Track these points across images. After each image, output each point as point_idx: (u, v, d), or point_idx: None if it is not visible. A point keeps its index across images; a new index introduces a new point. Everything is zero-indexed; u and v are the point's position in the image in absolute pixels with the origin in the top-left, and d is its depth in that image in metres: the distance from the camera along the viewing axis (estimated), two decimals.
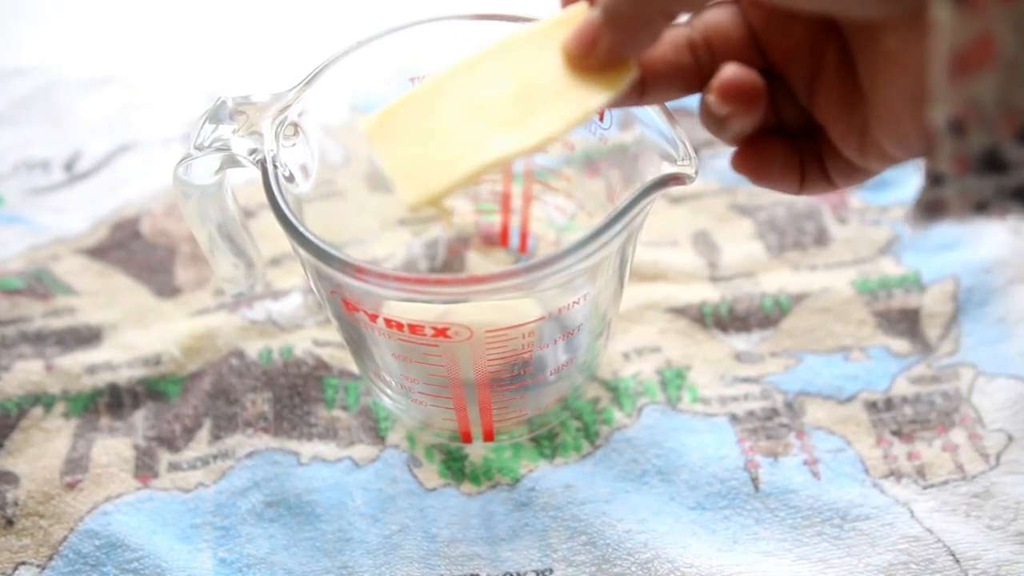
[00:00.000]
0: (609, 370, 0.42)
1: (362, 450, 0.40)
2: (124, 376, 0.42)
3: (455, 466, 0.39)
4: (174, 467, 0.40)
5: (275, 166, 0.32)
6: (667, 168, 0.30)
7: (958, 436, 0.39)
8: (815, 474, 0.38)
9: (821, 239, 0.47)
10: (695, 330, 0.43)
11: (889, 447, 0.39)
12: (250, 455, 0.40)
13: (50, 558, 0.37)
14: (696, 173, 0.30)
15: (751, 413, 0.40)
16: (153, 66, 0.60)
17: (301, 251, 0.30)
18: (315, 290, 0.36)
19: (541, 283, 0.29)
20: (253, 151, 0.32)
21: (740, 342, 0.43)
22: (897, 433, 0.39)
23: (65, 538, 0.37)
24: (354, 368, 0.42)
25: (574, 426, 0.40)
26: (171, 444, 0.40)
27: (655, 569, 0.35)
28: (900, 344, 0.42)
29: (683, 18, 0.27)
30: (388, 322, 0.31)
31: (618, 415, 0.40)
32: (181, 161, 0.33)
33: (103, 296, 0.46)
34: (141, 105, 0.57)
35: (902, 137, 0.23)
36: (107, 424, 0.41)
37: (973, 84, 0.18)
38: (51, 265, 0.47)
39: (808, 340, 0.43)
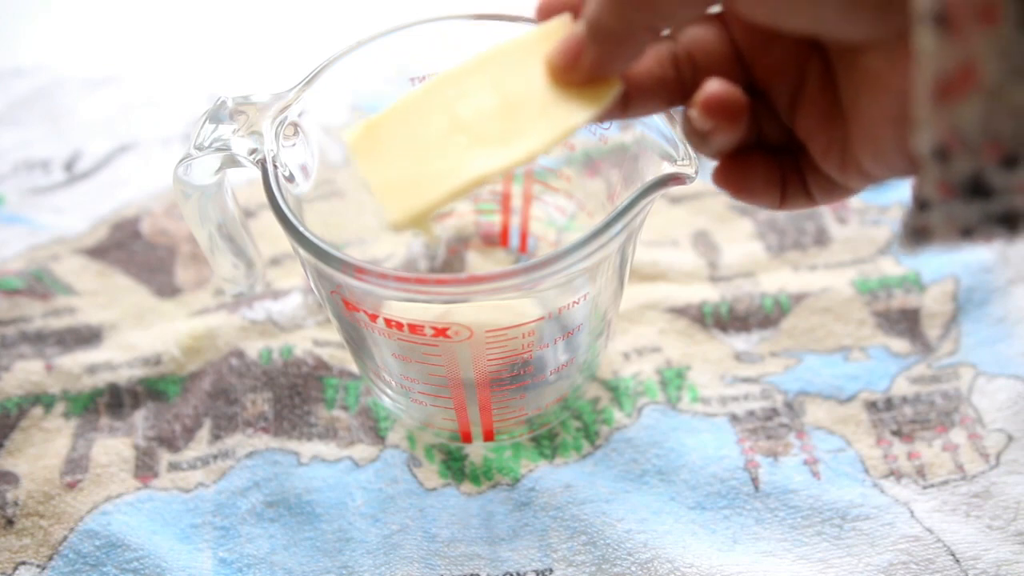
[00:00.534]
0: (609, 370, 0.42)
1: (362, 450, 0.40)
2: (124, 376, 0.42)
3: (455, 466, 0.39)
4: (174, 467, 0.40)
5: (275, 166, 0.32)
6: (667, 168, 0.30)
7: (958, 436, 0.39)
8: (815, 474, 0.38)
9: (821, 239, 0.47)
10: (695, 330, 0.43)
11: (889, 447, 0.39)
12: (250, 455, 0.40)
13: (50, 558, 0.37)
14: (696, 173, 0.30)
15: (751, 413, 0.40)
16: (153, 66, 0.60)
17: (301, 251, 0.30)
18: (315, 290, 0.36)
19: (541, 283, 0.29)
20: (253, 151, 0.32)
21: (740, 342, 0.43)
22: (897, 433, 0.39)
23: (65, 538, 0.37)
24: (354, 368, 0.42)
25: (574, 426, 0.40)
26: (171, 444, 0.40)
27: (655, 569, 0.35)
28: (900, 344, 0.42)
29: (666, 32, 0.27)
30: (388, 322, 0.31)
31: (618, 415, 0.40)
32: (181, 161, 0.33)
33: (103, 296, 0.46)
34: (141, 105, 0.57)
35: (882, 156, 0.23)
36: (107, 424, 0.41)
37: (957, 111, 0.18)
38: (51, 265, 0.47)
39: (808, 340, 0.43)
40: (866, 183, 0.25)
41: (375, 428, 0.40)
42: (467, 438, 0.39)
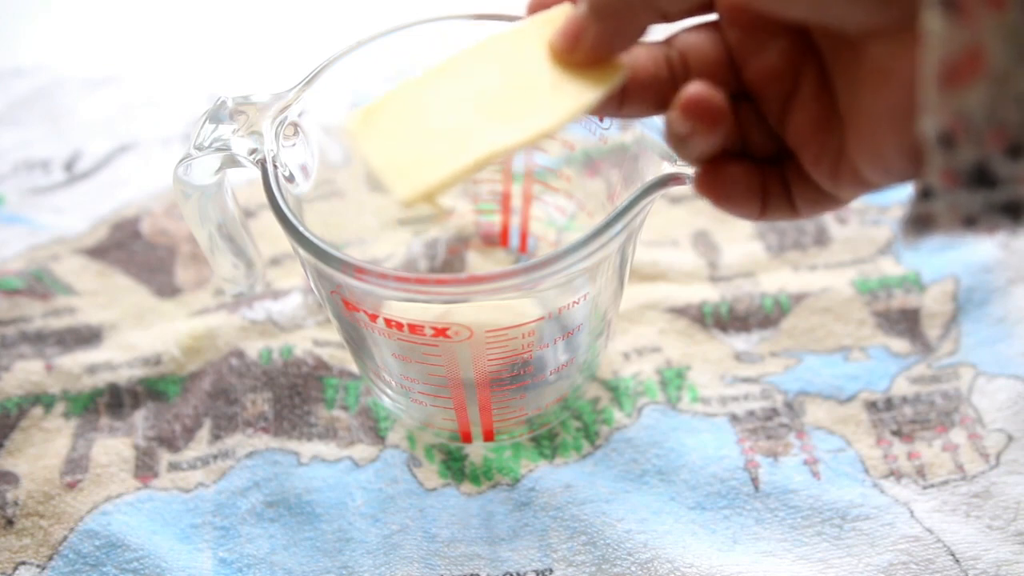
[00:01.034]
0: (609, 370, 0.42)
1: (362, 450, 0.40)
2: (124, 376, 0.42)
3: (455, 466, 0.39)
4: (174, 467, 0.40)
5: (275, 166, 0.32)
6: (667, 168, 0.30)
7: (958, 436, 0.39)
8: (815, 474, 0.38)
9: (821, 239, 0.47)
10: (695, 330, 0.43)
11: (889, 447, 0.39)
12: (250, 455, 0.40)
13: (50, 558, 0.37)
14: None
15: (751, 413, 0.40)
16: (153, 66, 0.60)
17: (301, 251, 0.30)
18: (315, 290, 0.36)
19: (541, 283, 0.29)
20: (253, 151, 0.32)
21: (740, 342, 0.43)
22: (897, 433, 0.39)
23: (65, 538, 0.37)
24: (354, 368, 0.42)
25: (574, 426, 0.40)
26: (171, 444, 0.40)
27: (655, 569, 0.35)
28: (900, 344, 0.42)
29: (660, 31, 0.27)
30: (388, 322, 0.31)
31: (618, 415, 0.40)
32: (181, 161, 0.33)
33: (103, 296, 0.46)
34: (141, 105, 0.57)
35: (882, 157, 0.23)
36: (107, 424, 0.41)
37: (963, 96, 0.18)
38: (51, 265, 0.47)
39: (808, 340, 0.43)
40: (858, 192, 0.25)
41: (375, 428, 0.40)
42: (467, 438, 0.39)
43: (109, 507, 0.38)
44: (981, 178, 0.19)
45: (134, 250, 0.48)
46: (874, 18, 0.21)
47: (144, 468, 0.39)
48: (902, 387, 0.41)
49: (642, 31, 0.25)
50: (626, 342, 0.43)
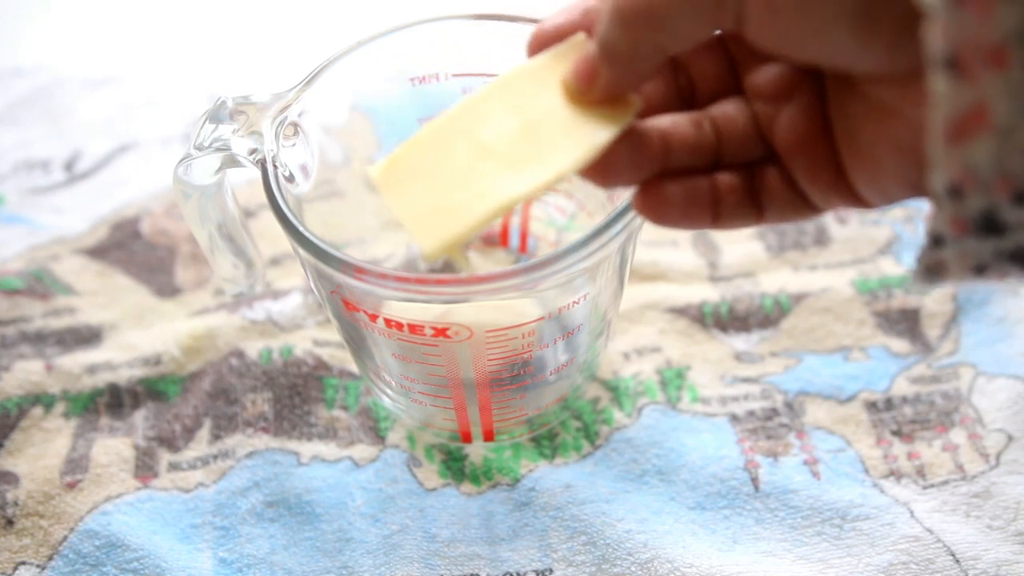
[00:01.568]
0: (609, 370, 0.42)
1: (362, 450, 0.40)
2: (124, 376, 0.42)
3: (455, 466, 0.39)
4: (174, 467, 0.40)
5: (275, 166, 0.32)
6: None
7: (958, 436, 0.39)
8: (815, 474, 0.38)
9: (821, 239, 0.47)
10: (695, 330, 0.43)
11: (889, 447, 0.39)
12: (250, 455, 0.40)
13: (50, 558, 0.37)
14: None
15: (751, 413, 0.40)
16: (153, 66, 0.60)
17: (301, 251, 0.30)
18: (315, 290, 0.36)
19: (541, 283, 0.29)
20: (253, 151, 0.32)
21: (740, 342, 0.43)
22: (897, 433, 0.39)
23: (65, 538, 0.37)
24: (354, 368, 0.42)
25: (574, 426, 0.40)
26: (171, 444, 0.40)
27: (655, 569, 0.35)
28: (900, 344, 0.42)
29: None
30: (388, 322, 0.31)
31: (618, 415, 0.40)
32: (181, 161, 0.33)
33: (103, 296, 0.46)
34: (141, 105, 0.57)
35: (881, 183, 0.24)
36: (107, 424, 0.41)
37: (969, 150, 0.19)
38: (51, 265, 0.47)
39: (808, 340, 0.43)
40: (850, 208, 0.26)
41: (375, 428, 0.40)
42: (467, 438, 0.39)
43: (109, 507, 0.38)
44: (989, 225, 0.19)
45: (134, 250, 0.48)
46: (885, 67, 0.22)
47: (144, 468, 0.39)
48: (902, 387, 0.41)
49: (655, 70, 0.26)
50: (626, 342, 0.43)
